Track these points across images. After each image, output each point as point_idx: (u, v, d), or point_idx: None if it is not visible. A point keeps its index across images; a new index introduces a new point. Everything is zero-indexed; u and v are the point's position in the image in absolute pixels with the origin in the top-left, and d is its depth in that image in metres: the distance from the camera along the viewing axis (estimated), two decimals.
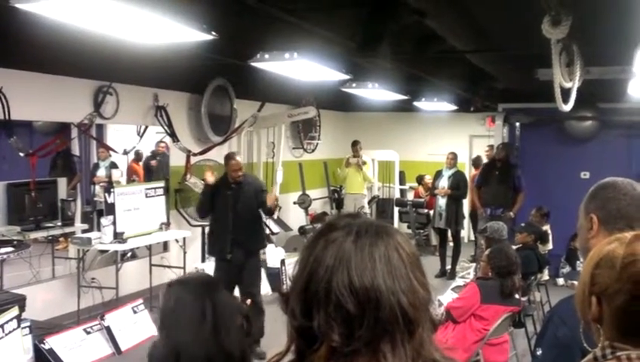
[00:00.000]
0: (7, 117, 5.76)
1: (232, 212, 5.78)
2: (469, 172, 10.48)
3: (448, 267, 8.93)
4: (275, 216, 9.08)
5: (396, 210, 11.27)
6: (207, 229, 7.98)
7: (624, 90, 6.74)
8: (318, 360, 0.97)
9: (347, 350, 0.95)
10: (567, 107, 4.63)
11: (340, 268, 0.97)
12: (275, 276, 7.67)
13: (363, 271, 0.96)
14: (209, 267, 5.78)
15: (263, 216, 6.32)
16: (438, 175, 9.15)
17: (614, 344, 1.15)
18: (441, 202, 8.92)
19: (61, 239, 7.38)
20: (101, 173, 8.61)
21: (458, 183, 8.88)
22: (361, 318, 0.95)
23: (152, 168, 8.88)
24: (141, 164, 9.12)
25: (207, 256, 7.14)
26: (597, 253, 1.21)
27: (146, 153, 9.13)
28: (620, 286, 1.14)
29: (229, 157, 5.99)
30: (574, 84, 4.44)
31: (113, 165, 8.57)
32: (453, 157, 9.02)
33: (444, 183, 8.92)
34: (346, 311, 0.95)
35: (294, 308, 1.00)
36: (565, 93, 4.43)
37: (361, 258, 0.97)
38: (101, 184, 8.17)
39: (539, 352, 1.77)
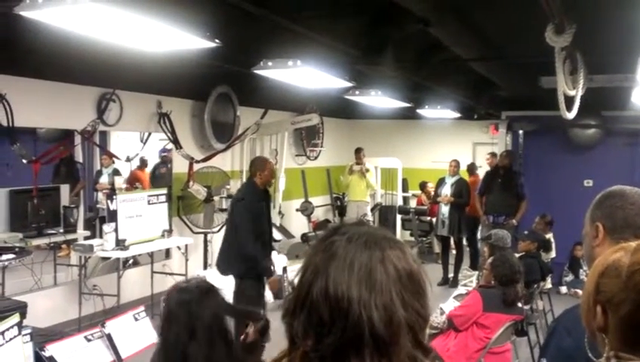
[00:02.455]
0: (10, 124, 5.76)
1: (267, 225, 5.28)
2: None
3: (451, 275, 8.91)
4: (278, 224, 9.06)
5: (399, 217, 11.25)
6: (209, 236, 8.00)
7: (628, 98, 6.73)
8: (292, 361, 0.99)
9: (314, 355, 0.95)
10: (570, 115, 4.61)
11: (322, 272, 0.96)
12: None
13: (339, 278, 0.95)
14: (210, 275, 5.72)
15: None
16: (440, 182, 9.14)
17: (619, 354, 1.13)
18: (444, 210, 8.92)
19: (63, 246, 7.38)
20: (104, 179, 8.62)
21: (461, 191, 8.87)
22: (330, 326, 0.94)
23: (162, 175, 8.90)
24: (147, 171, 9.12)
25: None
26: (602, 262, 1.20)
27: (148, 160, 9.15)
28: (626, 296, 1.13)
29: (265, 159, 5.45)
30: (578, 92, 4.43)
31: (116, 172, 8.58)
32: (456, 165, 9.03)
33: (446, 191, 8.92)
34: (319, 316, 0.94)
35: (287, 308, 1.01)
36: (569, 101, 4.42)
37: (341, 266, 0.96)
38: (104, 191, 8.18)
39: None
